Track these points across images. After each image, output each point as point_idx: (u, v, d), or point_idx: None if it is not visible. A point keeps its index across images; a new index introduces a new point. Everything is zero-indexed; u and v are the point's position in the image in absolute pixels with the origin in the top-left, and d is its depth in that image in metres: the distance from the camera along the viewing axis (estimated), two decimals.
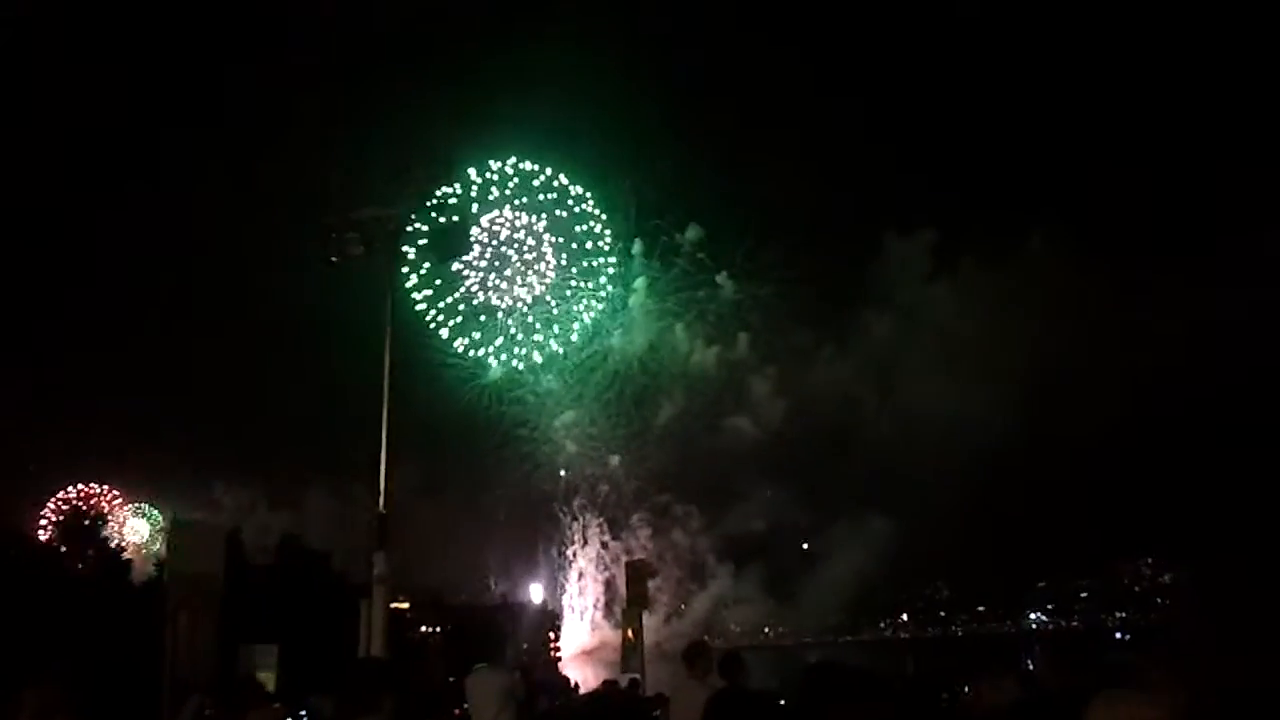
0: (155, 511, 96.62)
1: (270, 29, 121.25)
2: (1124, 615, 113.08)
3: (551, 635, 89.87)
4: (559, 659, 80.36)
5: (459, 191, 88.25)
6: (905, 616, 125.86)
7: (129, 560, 50.95)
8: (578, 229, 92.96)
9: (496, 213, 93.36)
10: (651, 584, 20.92)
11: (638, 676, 14.97)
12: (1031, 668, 8.56)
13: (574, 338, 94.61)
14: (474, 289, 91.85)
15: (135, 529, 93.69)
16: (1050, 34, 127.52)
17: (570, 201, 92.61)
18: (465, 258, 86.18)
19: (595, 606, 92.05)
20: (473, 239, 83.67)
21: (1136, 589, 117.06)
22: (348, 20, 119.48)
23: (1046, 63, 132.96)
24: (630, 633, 17.48)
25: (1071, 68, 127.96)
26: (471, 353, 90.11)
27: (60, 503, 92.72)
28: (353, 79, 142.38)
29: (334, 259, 13.67)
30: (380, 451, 13.19)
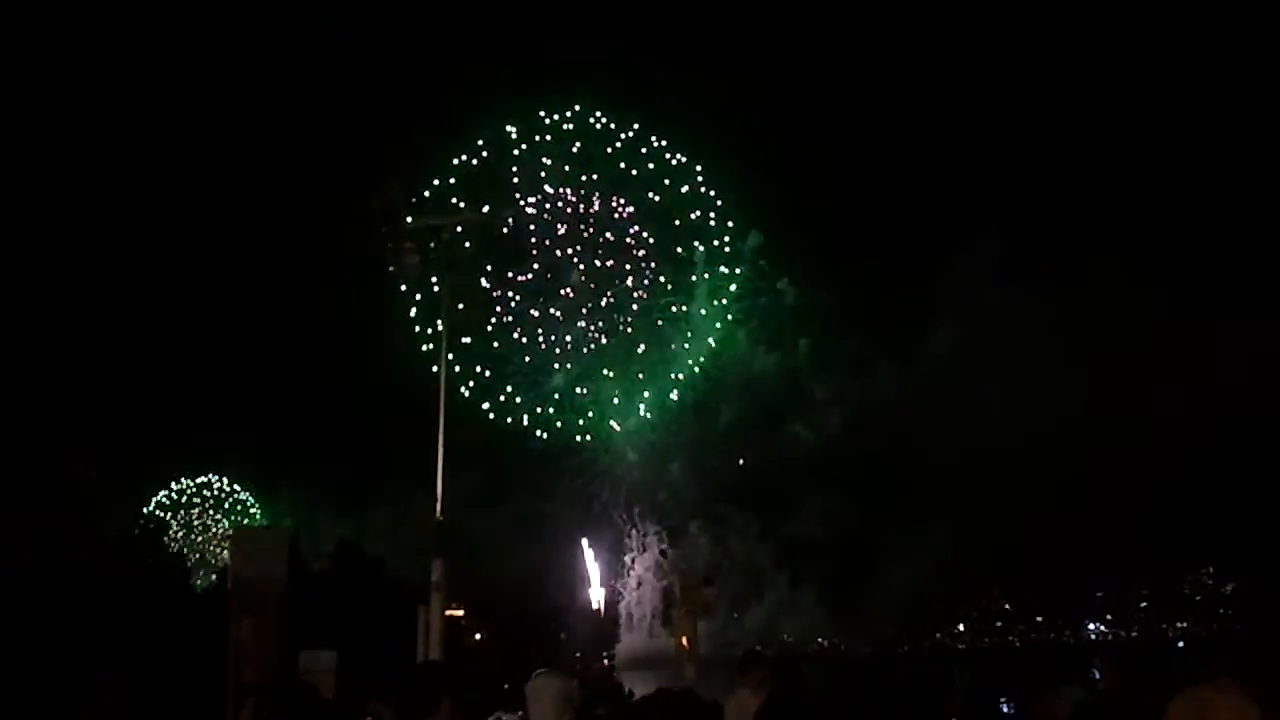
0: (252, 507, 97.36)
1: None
2: (1184, 625, 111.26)
3: (607, 642, 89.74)
4: (614, 666, 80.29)
5: (487, 158, 57.92)
6: (962, 627, 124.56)
7: (189, 565, 51.52)
8: (678, 222, 63.34)
9: (549, 193, 61.32)
10: (707, 592, 20.88)
11: (691, 684, 14.96)
12: (1097, 676, 8.47)
13: (674, 395, 71.99)
14: (509, 319, 63.32)
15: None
16: (1122, 43, 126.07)
17: (668, 179, 61.35)
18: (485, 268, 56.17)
19: (652, 615, 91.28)
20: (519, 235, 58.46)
21: (1198, 599, 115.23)
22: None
23: (1117, 69, 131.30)
24: (685, 641, 17.48)
25: (1147, 75, 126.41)
26: (509, 420, 65.16)
27: (176, 493, 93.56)
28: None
29: (390, 268, 13.84)
30: (437, 459, 13.31)
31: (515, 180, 59.01)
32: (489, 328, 63.32)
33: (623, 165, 60.70)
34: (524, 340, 66.08)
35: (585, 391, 67.13)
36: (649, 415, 70.12)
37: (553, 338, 64.71)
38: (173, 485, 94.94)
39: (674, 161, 61.38)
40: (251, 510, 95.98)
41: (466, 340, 60.37)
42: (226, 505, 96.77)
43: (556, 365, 65.63)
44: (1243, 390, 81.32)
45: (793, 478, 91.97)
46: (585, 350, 68.12)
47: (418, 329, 58.31)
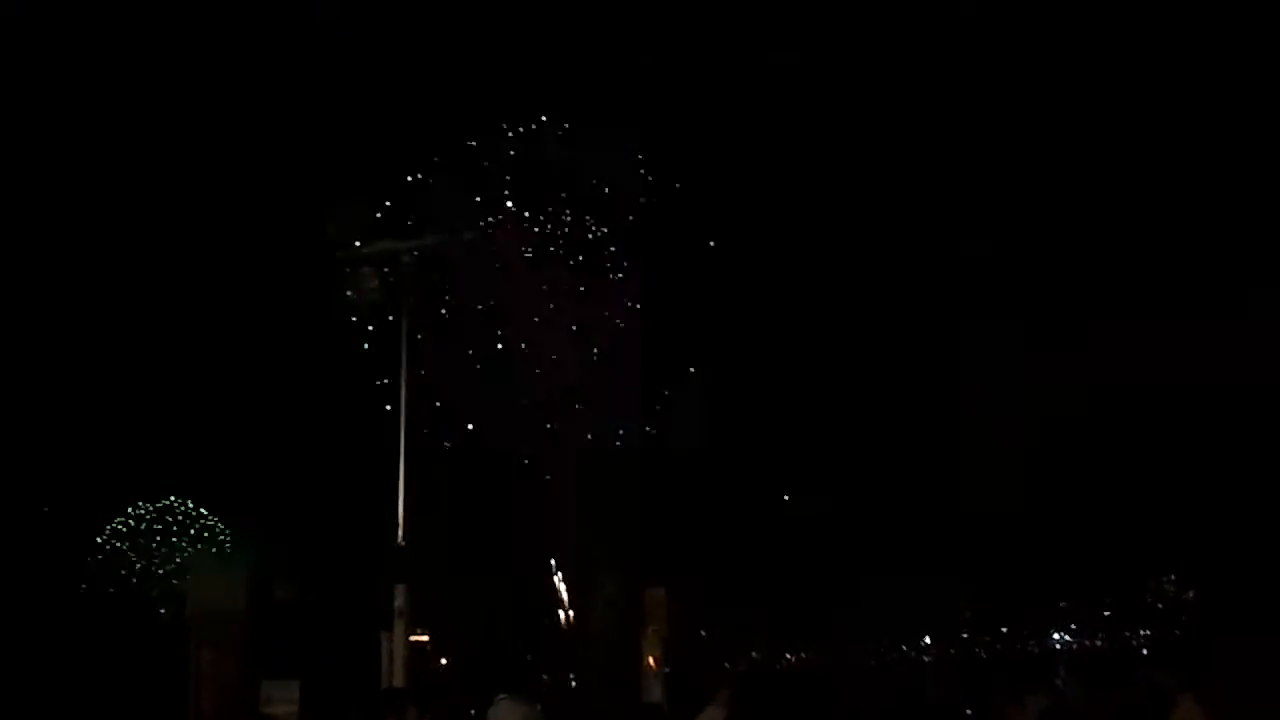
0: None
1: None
2: (1148, 633, 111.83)
3: (575, 664, 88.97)
4: (582, 688, 79.64)
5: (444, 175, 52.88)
6: (928, 639, 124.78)
7: (153, 596, 50.59)
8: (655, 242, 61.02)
9: (513, 212, 55.65)
10: (674, 611, 20.87)
11: (659, 703, 14.92)
12: (1061, 685, 8.53)
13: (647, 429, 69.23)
14: (471, 350, 59.30)
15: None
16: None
17: (643, 197, 57.24)
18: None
19: (621, 635, 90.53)
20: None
21: (1160, 606, 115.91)
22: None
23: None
24: (651, 660, 17.42)
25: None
26: (472, 458, 63.65)
27: (133, 519, 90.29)
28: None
29: (349, 293, 13.64)
30: (398, 481, 13.16)
31: (476, 200, 56.87)
32: (451, 359, 60.26)
33: (595, 182, 58.01)
34: (488, 371, 63.05)
35: (552, 426, 65.52)
36: (619, 444, 67.36)
37: (519, 367, 63.15)
38: (130, 511, 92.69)
39: (650, 178, 59.21)
40: (220, 537, 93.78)
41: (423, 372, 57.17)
42: (193, 531, 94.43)
43: (523, 398, 62.80)
44: (1199, 394, 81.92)
45: (762, 493, 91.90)
46: (553, 380, 65.61)
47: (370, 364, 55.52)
